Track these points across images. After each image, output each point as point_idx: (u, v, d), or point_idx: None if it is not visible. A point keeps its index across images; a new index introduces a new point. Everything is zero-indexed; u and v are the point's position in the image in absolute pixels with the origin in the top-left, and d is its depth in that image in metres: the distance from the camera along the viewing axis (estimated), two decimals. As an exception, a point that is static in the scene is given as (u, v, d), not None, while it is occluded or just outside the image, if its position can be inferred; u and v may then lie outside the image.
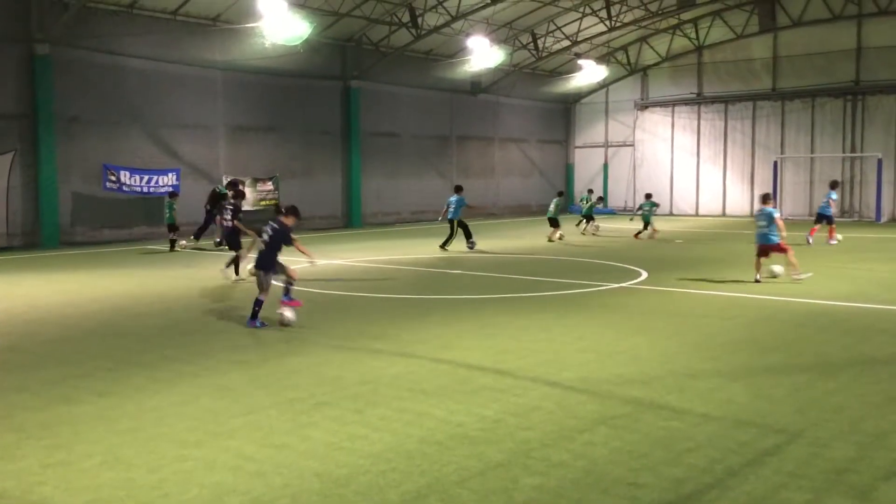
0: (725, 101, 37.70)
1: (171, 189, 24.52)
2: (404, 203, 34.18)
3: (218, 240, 22.00)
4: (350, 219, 31.85)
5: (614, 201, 41.50)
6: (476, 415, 6.76)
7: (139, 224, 25.55)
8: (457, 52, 33.15)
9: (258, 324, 10.73)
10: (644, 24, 35.37)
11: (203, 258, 19.99)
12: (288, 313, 10.84)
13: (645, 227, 25.14)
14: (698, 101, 38.61)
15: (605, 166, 42.09)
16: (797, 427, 6.40)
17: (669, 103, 39.47)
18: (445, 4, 29.12)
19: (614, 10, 33.47)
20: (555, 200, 25.41)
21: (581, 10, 33.15)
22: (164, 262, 19.44)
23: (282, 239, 10.97)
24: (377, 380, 7.95)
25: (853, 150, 34.45)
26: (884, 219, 32.71)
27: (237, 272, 15.48)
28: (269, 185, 28.86)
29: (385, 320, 11.31)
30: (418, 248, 22.24)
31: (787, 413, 6.79)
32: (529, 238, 25.76)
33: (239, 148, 28.32)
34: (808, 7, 34.31)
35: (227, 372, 8.37)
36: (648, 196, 26.42)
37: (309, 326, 10.87)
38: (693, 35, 37.67)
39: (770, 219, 14.78)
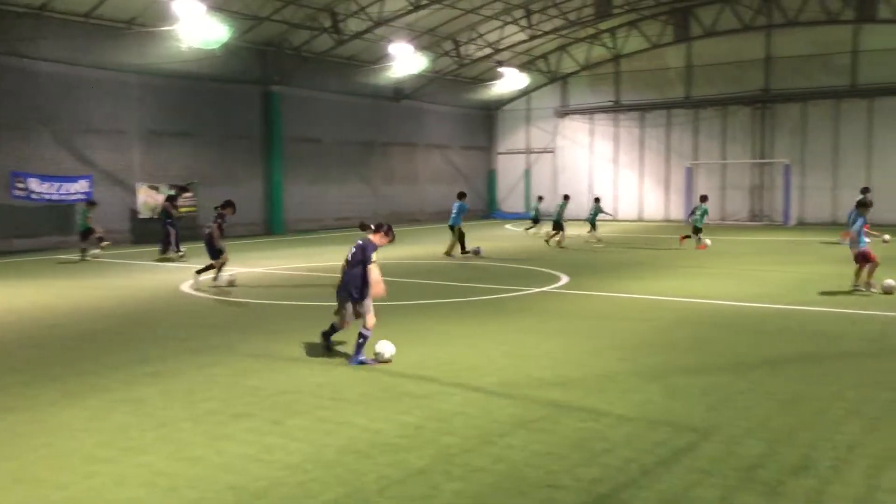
0: (642, 108, 38.68)
1: (86, 197, 23.65)
2: (328, 210, 33.89)
3: (181, 252, 21.22)
4: (272, 226, 31.39)
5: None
6: (397, 422, 6.73)
7: (50, 233, 24.59)
8: (379, 58, 33.08)
9: (364, 358, 8.83)
10: (563, 32, 36.02)
11: (117, 268, 19.38)
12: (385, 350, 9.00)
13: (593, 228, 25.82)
14: (616, 108, 39.52)
15: (527, 172, 42.65)
16: (710, 425, 6.58)
17: (588, 111, 40.27)
18: (367, 10, 29.03)
19: (534, 18, 33.99)
20: (559, 204, 25.55)
21: (502, 18, 33.55)
22: (79, 271, 18.76)
23: (364, 259, 9.07)
24: (297, 389, 7.83)
25: (762, 156, 35.79)
26: (791, 222, 34.06)
27: (216, 278, 15.64)
28: (188, 192, 28.15)
29: (306, 328, 11.14)
30: (342, 255, 22.01)
31: (700, 412, 6.98)
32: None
33: (155, 154, 27.58)
34: (720, 18, 35.54)
35: (141, 385, 8.11)
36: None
37: (227, 336, 10.64)
38: (610, 44, 38.56)
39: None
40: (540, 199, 30.43)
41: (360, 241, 9.24)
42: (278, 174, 31.41)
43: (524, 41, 35.86)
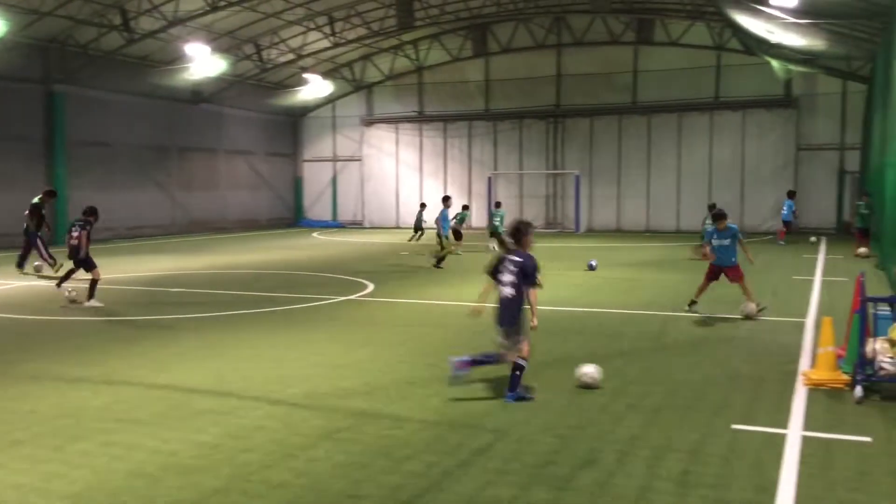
0: (444, 119, 39.71)
1: None
2: (120, 218, 31.82)
3: (37, 263, 19.16)
4: (56, 235, 29.02)
5: (343, 215, 42.06)
6: (192, 441, 6.42)
7: None
8: (175, 59, 31.59)
9: (525, 394, 7.68)
10: (367, 42, 36.23)
11: None
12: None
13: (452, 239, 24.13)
14: (420, 119, 40.30)
15: (334, 180, 42.46)
16: (505, 425, 6.84)
17: (393, 120, 40.77)
18: (161, 9, 27.65)
19: (337, 26, 33.92)
20: (460, 214, 25.47)
21: (305, 24, 33.20)
22: None
23: (527, 279, 7.67)
24: (80, 412, 7.27)
25: (555, 167, 37.88)
26: (582, 229, 36.31)
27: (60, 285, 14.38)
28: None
29: (91, 345, 10.40)
30: (134, 266, 20.83)
31: (496, 413, 7.24)
32: (259, 252, 25.19)
33: (-85, 156, 24.70)
34: (515, 35, 37.26)
35: None
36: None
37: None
38: (413, 56, 39.29)
39: None
40: (423, 206, 30.08)
41: (515, 257, 7.79)
42: (62, 180, 29.10)
43: (328, 48, 35.68)
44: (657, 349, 10.19)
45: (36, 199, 19.43)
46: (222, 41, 31.90)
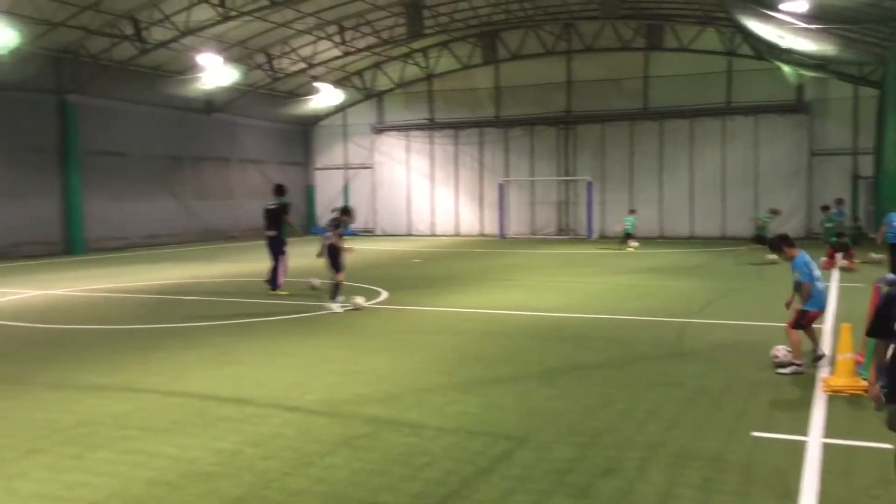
0: (455, 127, 39.75)
1: None
2: (134, 227, 32.02)
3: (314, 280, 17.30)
4: (71, 245, 29.21)
5: (355, 223, 42.03)
6: (211, 448, 6.43)
7: None
8: (187, 69, 31.78)
9: None
10: (377, 50, 36.36)
11: None
12: None
13: None
14: (431, 126, 40.37)
15: (346, 188, 42.55)
16: (523, 433, 6.82)
17: (404, 128, 40.84)
18: (173, 19, 27.82)
19: (348, 35, 34.05)
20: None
21: (315, 33, 33.34)
22: None
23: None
24: (99, 420, 7.30)
25: (567, 173, 37.86)
26: (594, 236, 36.23)
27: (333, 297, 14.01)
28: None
29: (110, 354, 10.45)
30: (149, 275, 20.93)
31: (514, 420, 7.22)
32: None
33: (-69, 167, 24.93)
34: (525, 42, 37.29)
35: (-86, 425, 7.25)
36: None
37: (17, 365, 9.75)
38: (423, 64, 39.37)
39: None
40: (632, 212, 30.96)
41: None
42: (77, 190, 29.30)
43: (338, 57, 35.83)
44: (674, 355, 10.14)
45: (280, 201, 17.22)
46: (234, 51, 32.07)
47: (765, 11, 21.20)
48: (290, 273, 17.62)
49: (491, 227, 38.83)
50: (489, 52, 38.12)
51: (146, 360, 10.04)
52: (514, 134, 38.75)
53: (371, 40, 34.78)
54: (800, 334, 9.05)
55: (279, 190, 17.69)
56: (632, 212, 30.91)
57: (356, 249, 14.64)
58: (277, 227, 16.93)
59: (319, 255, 15.00)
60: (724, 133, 34.98)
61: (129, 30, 27.97)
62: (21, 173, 27.71)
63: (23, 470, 5.98)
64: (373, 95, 41.20)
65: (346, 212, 14.89)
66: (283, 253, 16.84)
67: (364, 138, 41.89)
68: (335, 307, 13.94)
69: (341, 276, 14.32)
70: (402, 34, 34.23)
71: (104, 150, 30.68)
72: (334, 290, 14.17)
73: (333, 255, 14.33)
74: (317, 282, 16.88)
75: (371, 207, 41.87)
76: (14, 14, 23.61)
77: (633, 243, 28.80)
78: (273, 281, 16.73)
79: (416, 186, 40.96)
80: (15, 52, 23.89)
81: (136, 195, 32.11)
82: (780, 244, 9.38)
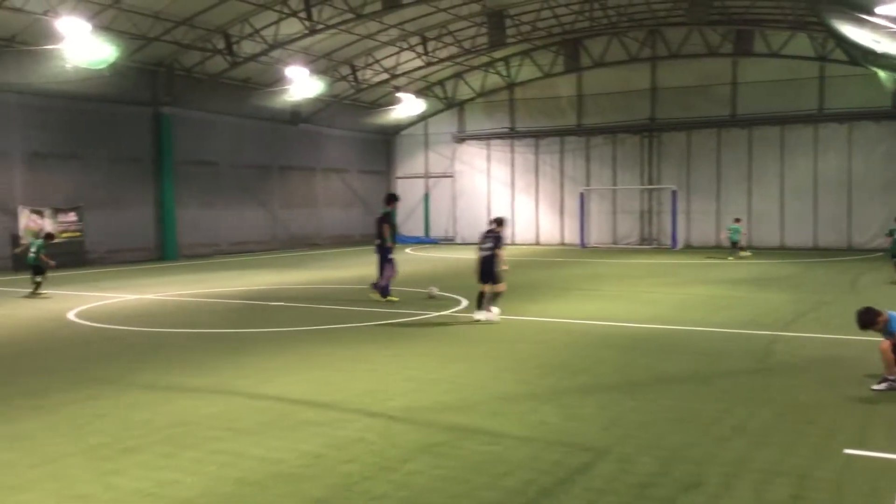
0: (536, 135, 39.64)
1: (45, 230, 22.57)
2: (223, 234, 33.11)
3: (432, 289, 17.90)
4: (164, 251, 30.38)
5: (435, 231, 42.45)
6: (296, 451, 6.60)
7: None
8: (275, 81, 32.72)
9: None
10: (458, 60, 36.61)
11: (13, 299, 18.33)
12: None
13: None
14: (511, 135, 40.36)
15: (426, 197, 42.94)
16: (604, 444, 6.75)
17: (485, 137, 40.97)
18: (262, 33, 28.71)
19: (430, 46, 34.42)
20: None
21: (398, 45, 33.83)
22: (-53, 301, 17.64)
23: None
24: (191, 420, 7.58)
25: (651, 182, 37.25)
26: (679, 246, 35.51)
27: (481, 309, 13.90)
28: (72, 216, 27.02)
29: (201, 357, 10.84)
30: (237, 281, 21.58)
31: (594, 431, 7.15)
32: (353, 268, 25.68)
33: (38, 176, 26.34)
34: (608, 49, 36.91)
35: (23, 419, 7.68)
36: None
37: (116, 367, 10.21)
38: (505, 73, 39.43)
39: None
40: (737, 220, 30.43)
41: None
42: (170, 198, 30.50)
43: (420, 67, 36.25)
44: (762, 370, 9.85)
45: (383, 211, 17.56)
46: (320, 63, 32.84)
47: (859, 16, 20.44)
48: (410, 282, 17.65)
49: (571, 237, 38.50)
50: (571, 59, 37.88)
51: (235, 363, 10.36)
52: (596, 142, 38.37)
53: (453, 50, 35.06)
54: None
55: (387, 199, 17.98)
56: (737, 220, 30.42)
57: (507, 267, 14.59)
58: (381, 236, 17.13)
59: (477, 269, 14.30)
60: (817, 141, 33.81)
61: (220, 44, 29.00)
62: (119, 183, 29.01)
63: (119, 467, 6.26)
64: (454, 105, 41.48)
65: (500, 222, 14.56)
66: (388, 261, 16.93)
67: (445, 147, 42.19)
68: (494, 317, 13.81)
69: (503, 287, 14.14)
70: (484, 44, 34.39)
71: (196, 160, 31.85)
72: (492, 299, 14.00)
73: (491, 266, 14.03)
74: (436, 290, 17.12)
75: (451, 216, 42.11)
76: (112, 30, 24.78)
77: (745, 252, 28.99)
78: (382, 288, 16.75)
79: (497, 195, 40.98)
80: (113, 67, 25.06)
81: (226, 203, 33.20)
82: (872, 317, 8.44)
